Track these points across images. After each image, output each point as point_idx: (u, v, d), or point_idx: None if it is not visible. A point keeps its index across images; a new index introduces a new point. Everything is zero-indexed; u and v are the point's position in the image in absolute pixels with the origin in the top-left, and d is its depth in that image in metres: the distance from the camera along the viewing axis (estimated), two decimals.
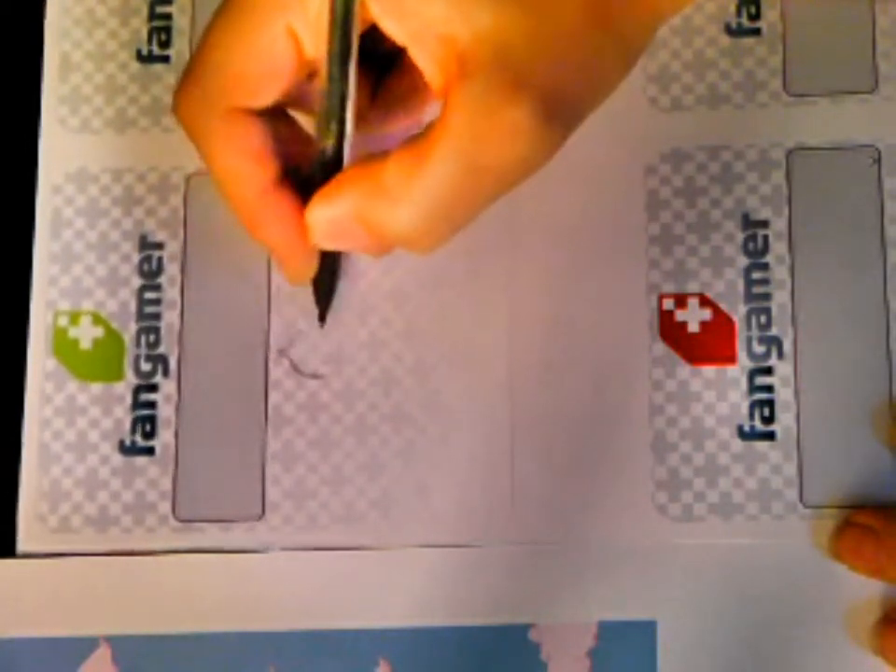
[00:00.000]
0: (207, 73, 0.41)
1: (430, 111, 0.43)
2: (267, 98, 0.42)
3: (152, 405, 0.48)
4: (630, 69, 0.41)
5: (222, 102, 0.41)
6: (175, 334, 0.48)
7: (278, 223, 0.43)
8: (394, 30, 0.40)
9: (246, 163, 0.42)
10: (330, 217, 0.41)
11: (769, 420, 0.46)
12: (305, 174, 0.43)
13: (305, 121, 0.44)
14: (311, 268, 0.44)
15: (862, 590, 0.45)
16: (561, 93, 0.39)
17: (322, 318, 0.47)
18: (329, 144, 0.42)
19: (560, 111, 0.39)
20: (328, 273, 0.46)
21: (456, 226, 0.41)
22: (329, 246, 0.43)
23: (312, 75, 0.42)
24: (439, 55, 0.39)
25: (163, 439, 0.48)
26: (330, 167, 0.42)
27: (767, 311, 0.47)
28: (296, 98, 0.43)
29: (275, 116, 0.43)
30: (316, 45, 0.41)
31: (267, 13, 0.40)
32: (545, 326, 0.47)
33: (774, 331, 0.47)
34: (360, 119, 0.43)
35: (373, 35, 0.41)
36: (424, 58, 0.40)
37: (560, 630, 0.46)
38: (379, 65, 0.44)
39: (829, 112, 0.48)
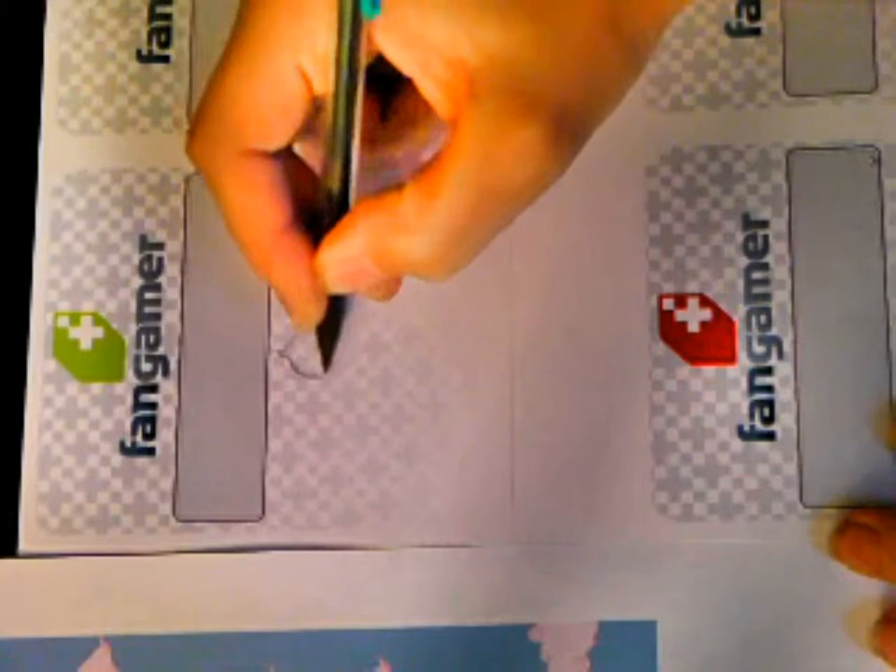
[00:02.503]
0: (219, 115, 0.41)
1: (439, 132, 0.43)
2: (280, 138, 0.41)
3: (152, 406, 0.48)
4: (639, 75, 0.40)
5: (236, 143, 0.41)
6: (175, 335, 0.48)
7: (290, 265, 0.42)
8: (400, 59, 0.39)
9: (261, 204, 0.42)
10: (343, 257, 0.41)
11: (769, 420, 0.46)
12: (312, 214, 0.42)
13: (309, 157, 0.44)
14: (319, 312, 0.44)
15: (862, 590, 0.45)
16: (571, 109, 0.38)
17: (326, 365, 0.47)
18: (336, 182, 0.41)
19: (571, 127, 0.38)
20: (333, 319, 0.46)
21: (474, 250, 0.40)
22: (339, 288, 0.42)
23: (318, 108, 0.42)
24: (446, 80, 0.39)
25: (164, 439, 0.48)
26: (337, 206, 0.41)
27: (767, 311, 0.47)
28: (303, 133, 0.43)
29: (285, 154, 0.42)
30: (326, 81, 0.40)
31: (277, 51, 0.40)
32: (545, 326, 0.48)
33: (774, 331, 0.47)
34: (370, 140, 0.43)
35: (378, 58, 0.41)
36: (431, 86, 0.39)
37: (560, 630, 0.46)
38: (388, 86, 0.44)
39: (829, 112, 0.48)
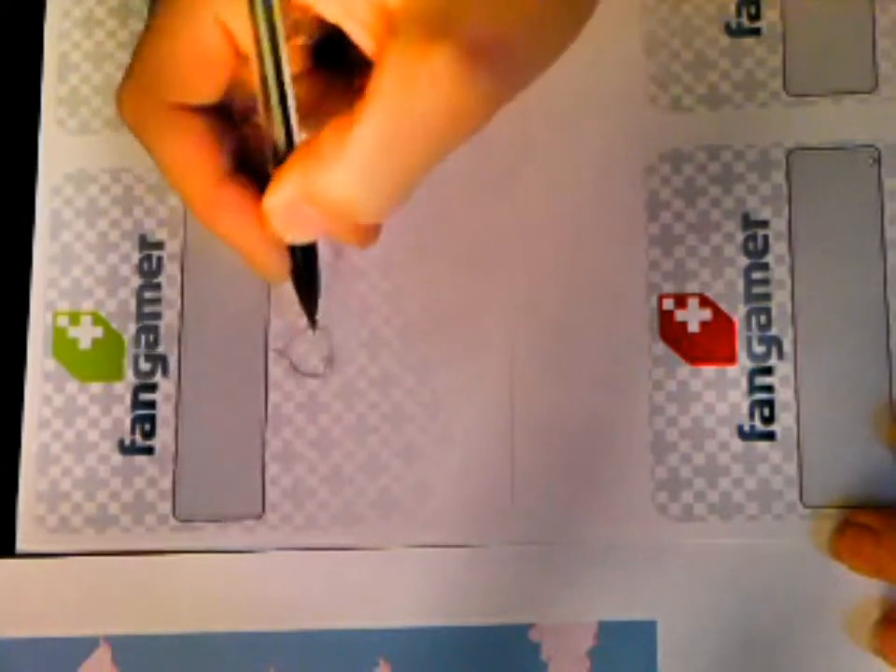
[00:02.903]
0: (142, 70, 0.42)
1: None
2: (204, 92, 0.42)
3: (152, 405, 0.48)
4: (579, 25, 0.40)
5: (160, 96, 0.42)
6: (174, 334, 0.48)
7: (236, 216, 0.42)
8: (324, 7, 0.40)
9: (192, 155, 0.42)
10: (283, 200, 0.41)
11: (769, 420, 0.46)
12: (263, 170, 0.43)
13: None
14: (282, 264, 0.44)
15: (862, 590, 0.45)
16: (494, 40, 0.38)
17: (312, 321, 0.47)
18: (279, 135, 0.41)
19: (490, 57, 0.38)
20: (306, 274, 0.45)
21: (398, 186, 0.40)
22: (291, 236, 0.42)
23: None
24: (370, 22, 0.39)
25: (163, 438, 0.48)
26: (282, 157, 0.41)
27: (767, 311, 0.47)
28: (247, 98, 0.43)
29: (224, 115, 0.43)
30: (247, 33, 0.40)
31: (195, 6, 0.40)
32: (545, 326, 0.47)
33: (774, 331, 0.47)
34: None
35: (340, 41, 0.41)
36: (356, 29, 0.39)
37: (560, 630, 0.46)
38: (349, 71, 0.44)
39: (829, 112, 0.48)
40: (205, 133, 0.42)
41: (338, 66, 0.44)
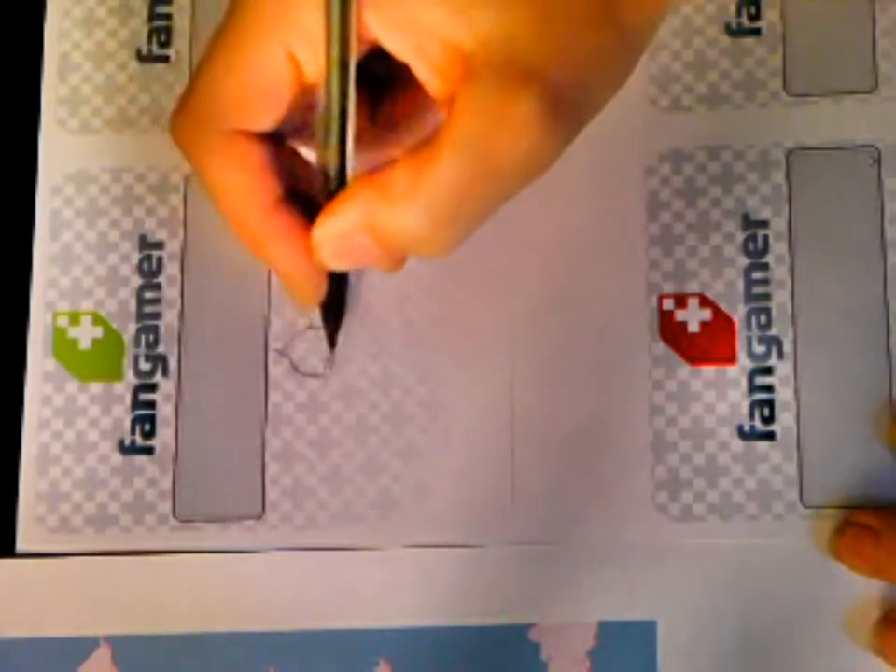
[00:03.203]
0: (204, 95, 0.41)
1: (430, 131, 0.43)
2: (265, 120, 0.41)
3: (152, 405, 0.48)
4: (637, 59, 0.40)
5: (220, 123, 0.41)
6: (174, 334, 0.48)
7: (283, 243, 0.42)
8: (394, 44, 0.39)
9: (247, 182, 0.42)
10: (338, 231, 0.41)
11: (769, 420, 0.46)
12: (310, 199, 0.42)
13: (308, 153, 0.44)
14: (319, 291, 0.44)
15: (862, 590, 0.45)
16: (567, 87, 0.38)
17: (332, 344, 0.47)
18: (332, 164, 0.41)
19: (567, 105, 0.39)
20: (336, 298, 0.45)
21: (469, 226, 0.40)
22: (337, 265, 0.42)
23: (313, 105, 0.42)
24: (442, 63, 0.39)
25: (163, 438, 0.48)
26: (334, 186, 0.41)
27: (767, 311, 0.47)
28: (298, 127, 0.43)
29: (277, 142, 0.42)
30: (317, 66, 0.40)
31: (264, 33, 0.40)
32: (545, 326, 0.47)
33: (774, 331, 0.47)
34: (360, 142, 0.43)
35: (370, 57, 0.41)
36: (426, 69, 0.39)
37: (560, 630, 0.46)
38: (376, 87, 0.44)
39: (829, 112, 0.48)
40: (261, 160, 0.42)
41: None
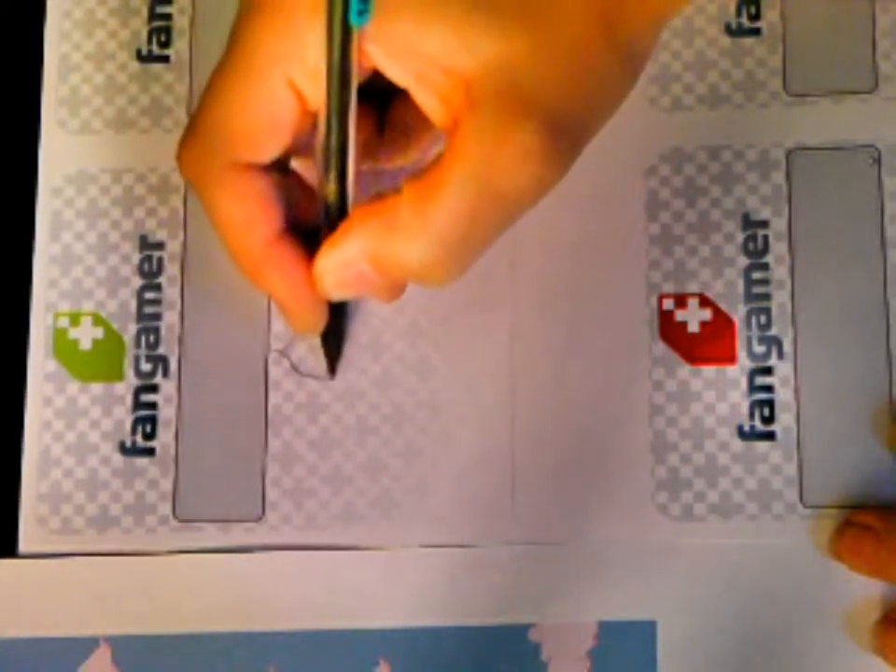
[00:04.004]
0: (209, 128, 0.41)
1: (437, 141, 0.43)
2: (270, 152, 0.41)
3: (152, 406, 0.48)
4: (637, 78, 0.40)
5: (224, 155, 0.41)
6: (175, 335, 0.48)
7: (283, 274, 0.42)
8: (395, 72, 0.39)
9: (250, 214, 0.42)
10: (341, 261, 0.41)
11: (769, 420, 0.46)
12: (309, 227, 0.43)
13: (307, 172, 0.44)
14: (320, 320, 0.44)
15: (862, 590, 0.45)
16: (569, 110, 0.39)
17: (332, 371, 0.47)
18: (332, 194, 0.41)
19: (568, 128, 0.39)
20: (337, 326, 0.46)
21: (474, 255, 0.40)
22: (338, 295, 0.42)
23: (315, 125, 0.42)
24: (443, 90, 0.39)
25: (163, 439, 0.48)
26: (335, 217, 0.42)
27: (767, 311, 0.47)
28: (301, 147, 0.43)
29: (279, 168, 0.42)
30: (317, 95, 0.40)
31: (266, 66, 0.40)
32: (545, 326, 0.48)
33: (774, 331, 0.47)
34: (367, 152, 0.43)
35: (374, 70, 0.41)
36: (427, 96, 0.39)
37: (560, 630, 0.46)
38: (382, 98, 0.44)
39: (829, 112, 0.48)
40: (264, 192, 0.42)
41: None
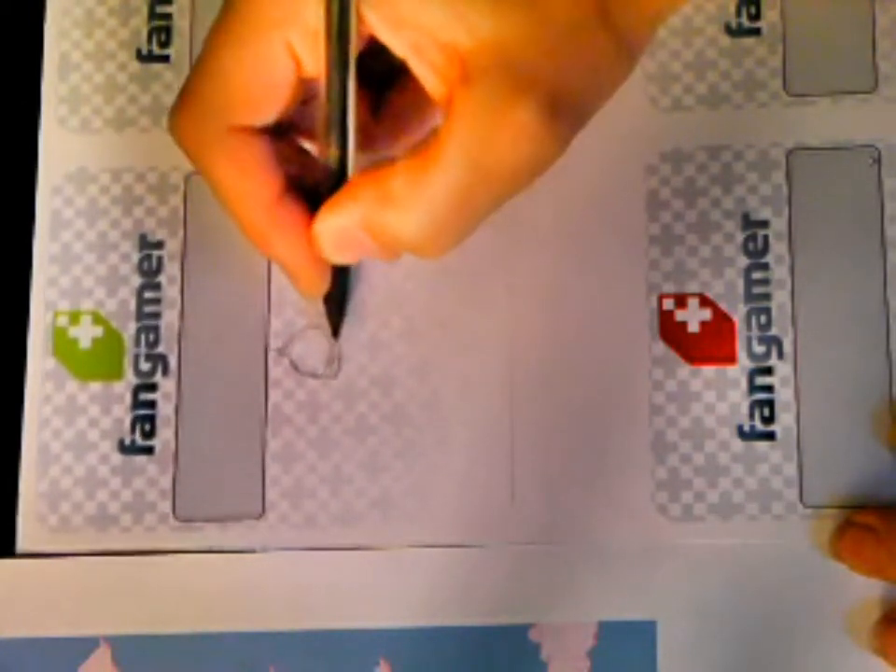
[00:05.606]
0: (206, 91, 0.41)
1: (433, 126, 0.43)
2: (267, 115, 0.41)
3: (152, 404, 0.48)
4: (633, 65, 0.41)
5: (222, 120, 0.41)
6: (174, 333, 0.48)
7: (287, 237, 0.42)
8: (393, 41, 0.40)
9: (250, 178, 0.42)
10: (338, 226, 0.41)
11: (769, 420, 0.46)
12: (311, 189, 0.43)
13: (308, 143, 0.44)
14: (324, 282, 0.44)
15: (862, 590, 0.45)
16: (564, 92, 0.39)
17: (335, 334, 0.47)
18: (333, 156, 0.42)
19: (564, 109, 0.39)
20: (339, 288, 0.46)
21: (466, 230, 0.40)
22: (338, 258, 0.43)
23: (309, 98, 0.42)
24: (439, 64, 0.39)
25: (163, 438, 0.48)
26: (335, 180, 0.42)
27: (767, 311, 0.47)
28: (296, 121, 0.43)
29: (276, 134, 0.43)
30: (315, 61, 0.40)
31: (264, 29, 0.40)
32: (545, 326, 0.47)
33: (774, 331, 0.47)
34: (364, 137, 0.43)
35: (372, 53, 0.41)
36: (424, 68, 0.40)
37: (560, 630, 0.46)
38: (378, 83, 0.44)
39: (829, 112, 0.48)
40: (263, 155, 0.42)
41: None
